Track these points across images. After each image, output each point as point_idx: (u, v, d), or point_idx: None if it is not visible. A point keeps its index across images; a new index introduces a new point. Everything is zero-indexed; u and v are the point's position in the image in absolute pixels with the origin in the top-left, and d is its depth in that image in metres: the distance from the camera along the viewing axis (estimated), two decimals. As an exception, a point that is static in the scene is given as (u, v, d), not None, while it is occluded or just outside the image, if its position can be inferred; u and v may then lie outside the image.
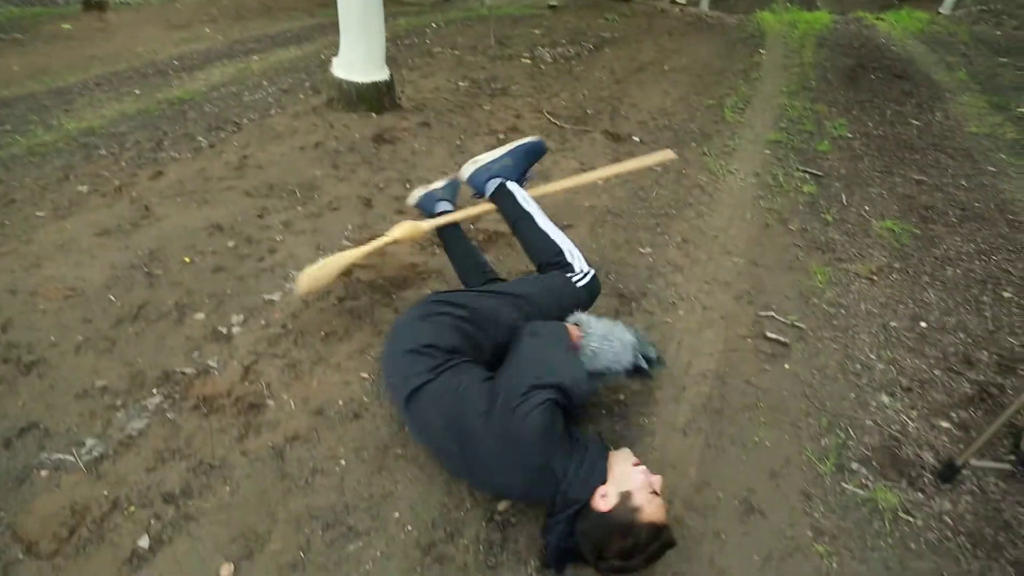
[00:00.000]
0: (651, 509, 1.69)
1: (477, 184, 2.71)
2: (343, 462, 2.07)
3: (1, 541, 1.83)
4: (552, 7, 8.32)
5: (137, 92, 5.73)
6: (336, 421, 2.20)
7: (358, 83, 4.20)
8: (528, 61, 5.94)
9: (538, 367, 1.86)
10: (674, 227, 3.46)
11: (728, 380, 2.46)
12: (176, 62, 6.57)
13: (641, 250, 3.20)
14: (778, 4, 12.17)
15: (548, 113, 4.78)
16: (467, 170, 2.73)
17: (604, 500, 1.72)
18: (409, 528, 1.88)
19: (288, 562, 1.79)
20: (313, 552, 1.81)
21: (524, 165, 2.72)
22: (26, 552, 1.81)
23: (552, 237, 2.48)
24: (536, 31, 7.06)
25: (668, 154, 2.90)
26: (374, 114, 4.29)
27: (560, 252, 2.43)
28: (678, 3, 10.64)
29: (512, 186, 2.63)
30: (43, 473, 2.01)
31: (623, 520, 1.67)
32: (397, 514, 1.92)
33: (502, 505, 1.96)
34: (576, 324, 2.11)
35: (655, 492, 1.74)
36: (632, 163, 2.89)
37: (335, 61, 4.29)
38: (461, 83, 5.13)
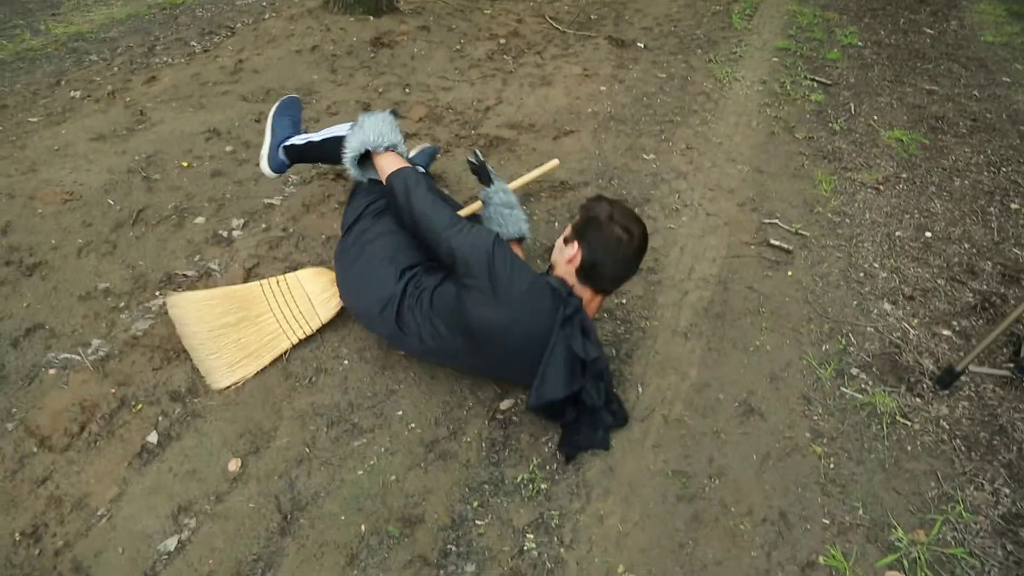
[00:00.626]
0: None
1: (279, 167, 2.44)
2: (346, 362, 2.08)
3: (15, 435, 1.86)
4: None
5: (125, -5, 5.52)
6: (339, 322, 2.20)
7: (355, -16, 4.05)
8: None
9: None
10: (678, 134, 3.39)
11: (730, 286, 2.45)
12: (165, -36, 6.30)
13: (645, 156, 3.14)
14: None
15: (550, 18, 4.62)
16: (265, 168, 2.45)
17: (570, 260, 1.82)
18: (412, 426, 1.91)
19: (294, 457, 1.83)
20: (318, 448, 1.85)
21: (287, 121, 2.48)
22: (40, 445, 1.85)
23: (340, 134, 2.25)
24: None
25: (555, 163, 2.77)
26: (371, 17, 4.14)
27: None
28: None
29: (292, 140, 2.41)
30: (51, 372, 2.03)
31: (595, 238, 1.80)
32: (400, 412, 1.94)
33: (504, 404, 1.98)
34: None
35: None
36: (528, 176, 2.76)
37: (331, -40, 4.13)
38: (462, -14, 4.96)
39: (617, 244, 1.78)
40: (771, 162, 3.21)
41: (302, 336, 2.13)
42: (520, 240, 2.24)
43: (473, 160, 2.30)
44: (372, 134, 2.08)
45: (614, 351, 2.16)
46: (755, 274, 2.50)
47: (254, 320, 2.15)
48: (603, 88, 3.75)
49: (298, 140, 2.37)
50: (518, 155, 3.08)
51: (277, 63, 3.78)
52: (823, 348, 2.23)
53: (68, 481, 1.78)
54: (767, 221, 2.78)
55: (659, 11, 5.16)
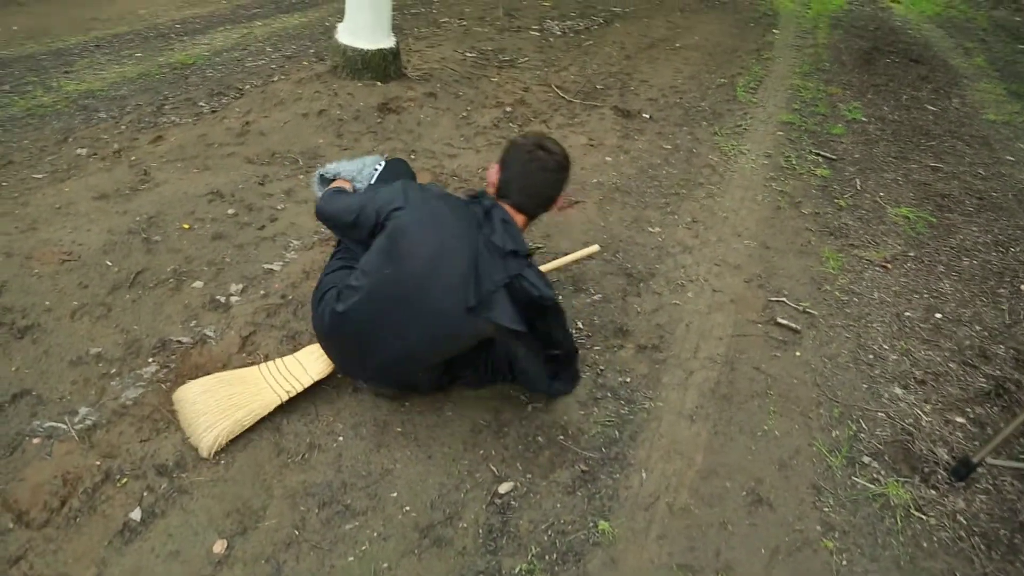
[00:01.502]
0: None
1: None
2: (341, 438, 2.01)
3: (-11, 511, 1.78)
4: None
5: (138, 55, 5.61)
6: (334, 395, 2.14)
7: (363, 50, 4.09)
8: (537, 33, 5.81)
9: None
10: (684, 207, 3.39)
11: (737, 366, 2.40)
12: (178, 26, 6.43)
13: (650, 229, 3.13)
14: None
15: (557, 87, 4.68)
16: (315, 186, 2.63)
17: (491, 183, 1.93)
18: (407, 508, 1.83)
19: (283, 539, 1.74)
20: (308, 530, 1.77)
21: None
22: (16, 521, 1.76)
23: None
24: (546, 3, 6.91)
25: (596, 248, 2.80)
26: (379, 83, 4.18)
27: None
28: (691, -20, 10.41)
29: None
30: (35, 441, 1.96)
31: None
32: (395, 494, 1.87)
33: (503, 487, 1.91)
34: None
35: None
36: (566, 259, 2.80)
37: (340, 27, 4.18)
38: (468, 54, 5.01)
39: (529, 157, 1.87)
40: (777, 238, 3.19)
41: (292, 392, 2.07)
42: None
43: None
44: (351, 168, 2.27)
45: (617, 432, 2.09)
46: (762, 354, 2.45)
47: (243, 380, 2.10)
48: (608, 159, 3.76)
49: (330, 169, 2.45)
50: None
51: (283, 126, 3.81)
52: (833, 434, 2.16)
53: (43, 561, 1.69)
54: (774, 299, 2.74)
55: (664, 82, 5.23)
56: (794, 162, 4.01)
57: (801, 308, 2.70)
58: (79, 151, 3.80)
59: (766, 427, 2.16)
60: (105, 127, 4.14)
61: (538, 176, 1.88)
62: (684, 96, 4.97)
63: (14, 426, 2.00)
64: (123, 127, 4.11)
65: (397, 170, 2.32)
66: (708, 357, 2.42)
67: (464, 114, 4.12)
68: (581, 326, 2.46)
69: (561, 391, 2.07)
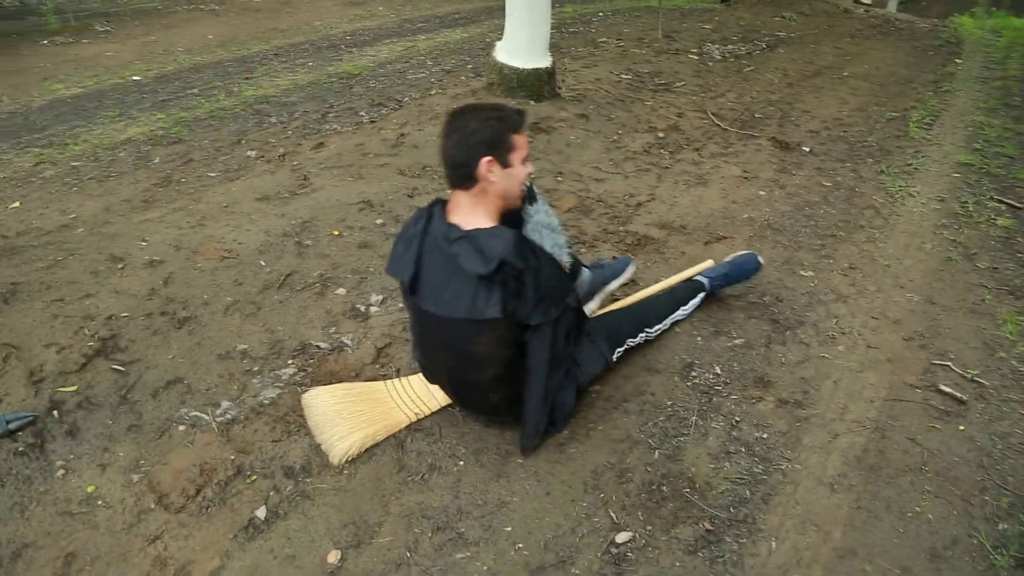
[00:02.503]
0: None
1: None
2: (462, 463, 2.00)
3: (138, 488, 1.91)
4: (723, 2, 7.88)
5: (310, 64, 5.99)
6: (459, 419, 2.14)
7: (519, 69, 4.14)
8: (695, 57, 5.65)
9: None
10: (841, 251, 3.15)
11: (889, 434, 2.18)
12: (348, 38, 6.82)
13: (802, 273, 2.93)
14: (980, 8, 10.96)
15: (712, 113, 4.52)
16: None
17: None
18: (520, 546, 1.79)
19: (394, 559, 1.75)
20: (420, 553, 1.76)
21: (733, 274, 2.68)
22: (158, 503, 1.88)
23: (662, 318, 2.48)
24: (706, 26, 6.73)
25: (709, 263, 2.74)
26: (532, 101, 4.21)
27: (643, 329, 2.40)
28: (863, 3, 9.81)
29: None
30: (181, 428, 2.09)
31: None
32: (509, 528, 1.83)
33: (621, 536, 1.82)
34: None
35: None
36: (680, 275, 2.69)
37: (498, 45, 4.25)
38: (624, 76, 4.95)
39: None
40: (946, 293, 2.89)
41: (420, 415, 2.12)
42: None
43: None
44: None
45: (748, 492, 1.95)
46: (919, 424, 2.22)
47: (372, 396, 2.15)
48: (762, 193, 3.58)
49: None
50: (666, 257, 2.96)
51: (436, 140, 3.89)
52: (1000, 527, 1.91)
53: (176, 544, 1.79)
54: (937, 362, 2.48)
55: (828, 113, 4.93)
56: (971, 209, 3.65)
57: (969, 376, 2.43)
58: (249, 153, 4.07)
59: (918, 508, 1.94)
60: (274, 131, 4.42)
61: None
62: (849, 129, 4.65)
63: (165, 411, 2.14)
64: (290, 132, 4.37)
65: None
66: (856, 420, 2.22)
67: (615, 137, 4.06)
68: (719, 371, 2.33)
69: (532, 439, 2.02)
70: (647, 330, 2.37)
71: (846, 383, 2.36)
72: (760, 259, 2.66)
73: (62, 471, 1.95)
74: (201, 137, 4.44)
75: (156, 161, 4.10)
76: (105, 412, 2.11)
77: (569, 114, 4.19)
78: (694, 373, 2.33)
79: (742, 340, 2.48)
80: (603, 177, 3.65)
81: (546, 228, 2.12)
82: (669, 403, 2.20)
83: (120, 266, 2.71)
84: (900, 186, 3.86)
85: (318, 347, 2.42)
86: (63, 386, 2.16)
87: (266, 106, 4.99)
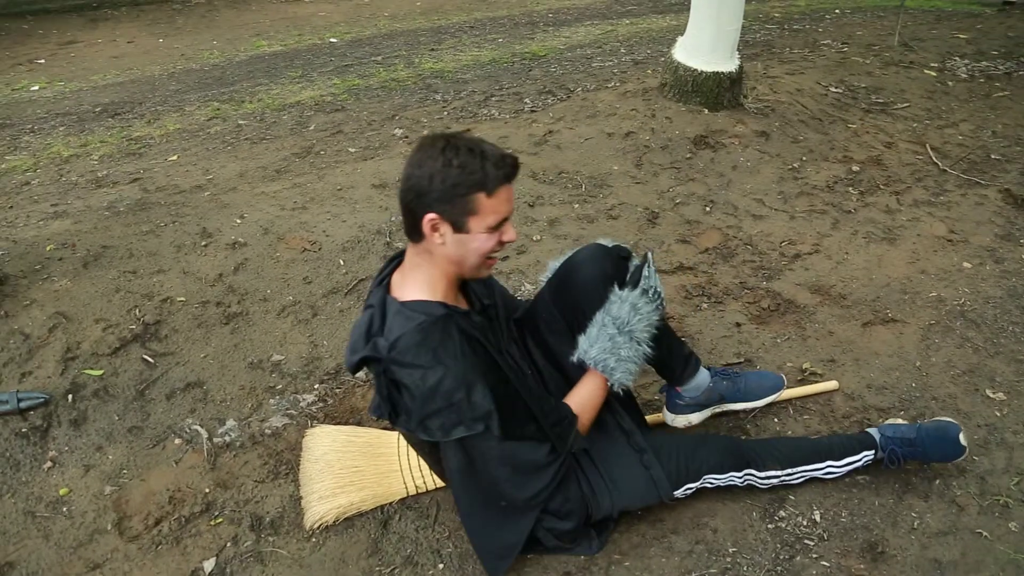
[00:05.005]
0: None
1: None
2: (441, 566, 1.64)
3: (105, 503, 1.78)
4: (1005, 6, 6.39)
5: (500, 41, 5.75)
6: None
7: (697, 71, 3.55)
8: (933, 73, 4.57)
9: None
10: (1065, 366, 2.31)
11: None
12: (551, 15, 6.49)
13: (988, 393, 2.15)
14: None
15: (932, 148, 3.60)
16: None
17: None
18: None
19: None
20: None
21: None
22: (116, 525, 1.73)
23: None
24: (961, 35, 5.48)
25: (833, 385, 2.12)
26: (706, 110, 3.61)
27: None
28: None
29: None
30: (176, 441, 1.94)
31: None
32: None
33: None
34: None
35: None
36: (793, 391, 2.08)
37: (679, 41, 3.68)
38: (833, 89, 4.12)
39: None
40: None
41: (421, 489, 1.79)
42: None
43: (638, 263, 1.68)
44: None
45: None
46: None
47: (377, 451, 1.84)
48: (967, 265, 2.75)
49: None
50: (804, 336, 2.34)
51: (583, 144, 3.47)
52: None
53: (113, 580, 1.62)
54: None
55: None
56: None
57: None
58: (396, 131, 3.91)
59: None
60: (432, 110, 4.23)
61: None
62: None
63: (171, 417, 2.00)
64: (446, 113, 4.16)
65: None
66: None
67: (795, 165, 3.37)
68: (817, 519, 1.74)
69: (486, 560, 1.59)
70: (753, 474, 1.73)
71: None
72: (963, 437, 1.77)
73: (50, 463, 1.86)
74: (362, 108, 4.36)
75: (311, 128, 4.07)
76: (116, 406, 2.01)
77: (747, 129, 3.54)
78: (782, 513, 1.76)
79: (865, 479, 1.84)
80: (763, 214, 3.02)
81: (615, 328, 1.59)
82: (732, 549, 1.67)
83: (205, 243, 2.62)
84: None
85: (355, 377, 2.16)
86: (91, 368, 2.08)
87: (438, 81, 4.82)
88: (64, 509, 1.76)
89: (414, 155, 1.36)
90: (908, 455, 1.78)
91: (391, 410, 1.42)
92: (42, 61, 5.74)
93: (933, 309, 2.49)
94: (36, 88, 5.11)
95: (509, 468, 1.48)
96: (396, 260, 1.54)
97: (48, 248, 2.47)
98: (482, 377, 1.38)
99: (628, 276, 1.65)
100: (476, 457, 1.45)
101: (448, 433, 1.38)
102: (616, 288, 1.62)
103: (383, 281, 1.51)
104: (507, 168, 1.36)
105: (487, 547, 1.57)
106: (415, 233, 1.39)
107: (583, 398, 1.62)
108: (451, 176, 1.31)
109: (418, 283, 1.43)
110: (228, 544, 1.69)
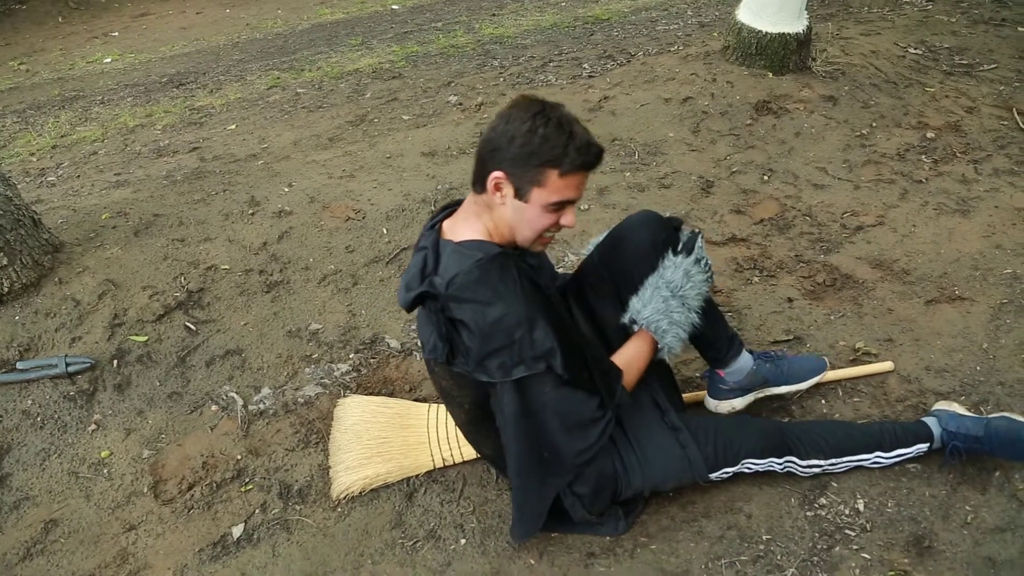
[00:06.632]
0: None
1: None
2: (463, 540, 1.62)
3: (142, 467, 1.82)
4: None
5: (563, 5, 5.60)
6: (493, 478, 1.75)
7: (762, 32, 3.34)
8: (1036, 31, 4.21)
9: None
10: None
11: None
12: (617, -24, 6.26)
13: (1069, 380, 1.98)
14: None
15: (1019, 113, 3.30)
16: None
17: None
18: None
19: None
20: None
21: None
22: (151, 488, 1.78)
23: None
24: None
25: (888, 366, 1.98)
26: (771, 74, 3.40)
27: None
28: None
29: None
30: (213, 408, 1.97)
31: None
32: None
33: None
34: None
35: None
36: (845, 372, 1.97)
37: (744, 1, 3.48)
38: (912, 50, 3.81)
39: None
40: None
41: (449, 461, 1.77)
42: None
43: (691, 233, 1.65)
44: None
45: None
46: None
47: (406, 422, 1.83)
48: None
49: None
50: (860, 313, 2.19)
51: (638, 110, 3.34)
52: None
53: (145, 541, 1.67)
54: None
55: None
56: None
57: None
58: (450, 98, 3.86)
59: None
60: (488, 76, 4.15)
61: None
62: None
63: (210, 384, 2.03)
64: (502, 79, 4.08)
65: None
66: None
67: (864, 132, 3.15)
68: (861, 508, 1.62)
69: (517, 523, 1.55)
70: (795, 462, 1.64)
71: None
72: None
73: (94, 426, 1.92)
74: (419, 75, 4.33)
75: (367, 96, 4.07)
76: (159, 371, 2.05)
77: (813, 94, 3.32)
78: (823, 501, 1.66)
79: (916, 468, 1.71)
80: (825, 183, 2.84)
81: (669, 291, 1.55)
82: (766, 537, 1.59)
83: (252, 211, 2.65)
84: None
85: (388, 345, 2.14)
86: (136, 334, 2.13)
87: (497, 47, 4.73)
88: (104, 471, 1.82)
89: (506, 110, 1.34)
90: (972, 452, 1.65)
91: (448, 351, 1.39)
92: (116, 34, 5.93)
93: (1007, 287, 2.30)
94: (108, 60, 5.29)
95: (559, 419, 1.44)
96: (449, 207, 1.52)
97: (104, 216, 2.54)
98: (543, 314, 1.36)
99: (682, 244, 1.62)
100: (530, 401, 1.41)
101: (508, 373, 1.35)
102: (670, 254, 1.59)
103: (435, 225, 1.49)
104: (589, 156, 1.33)
105: (524, 505, 1.52)
106: (479, 184, 1.37)
107: (630, 356, 1.58)
108: (532, 143, 1.29)
109: (473, 227, 1.41)
110: (257, 511, 1.71)
